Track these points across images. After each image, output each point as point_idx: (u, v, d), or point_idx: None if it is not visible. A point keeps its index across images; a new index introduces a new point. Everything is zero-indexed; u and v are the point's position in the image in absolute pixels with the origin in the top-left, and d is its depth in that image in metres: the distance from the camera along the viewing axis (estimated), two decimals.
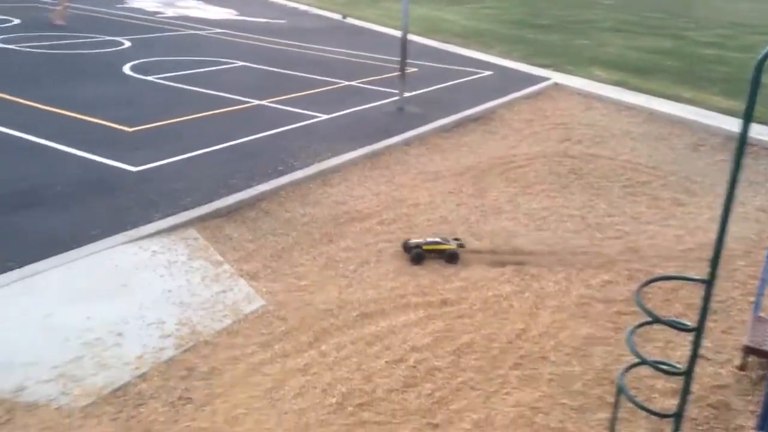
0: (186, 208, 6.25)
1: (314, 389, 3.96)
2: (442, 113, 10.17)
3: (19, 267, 5.01)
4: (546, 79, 13.25)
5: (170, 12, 20.34)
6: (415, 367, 4.22)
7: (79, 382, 3.87)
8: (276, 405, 3.82)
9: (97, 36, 14.92)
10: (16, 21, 16.23)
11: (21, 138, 7.83)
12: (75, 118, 8.73)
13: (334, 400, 3.87)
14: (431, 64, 14.14)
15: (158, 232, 5.78)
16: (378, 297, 5.04)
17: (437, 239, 5.80)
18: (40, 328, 4.34)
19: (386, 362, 4.25)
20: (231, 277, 5.20)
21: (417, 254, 5.63)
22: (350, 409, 3.81)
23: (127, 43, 14.36)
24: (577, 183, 7.80)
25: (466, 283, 5.32)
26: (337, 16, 21.83)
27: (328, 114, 9.73)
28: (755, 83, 2.51)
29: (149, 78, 11.26)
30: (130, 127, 8.51)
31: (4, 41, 13.52)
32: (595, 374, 4.26)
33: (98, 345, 4.22)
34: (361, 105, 10.41)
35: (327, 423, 3.69)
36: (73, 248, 5.35)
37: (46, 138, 7.81)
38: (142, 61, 12.56)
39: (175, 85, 10.93)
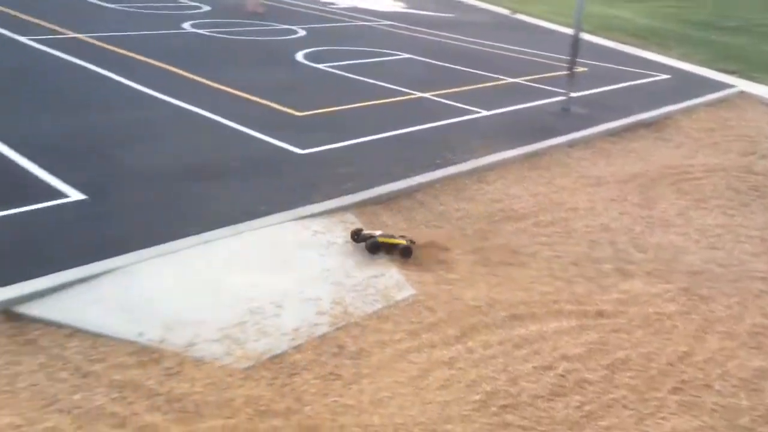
0: (346, 193, 6.46)
1: (458, 383, 3.95)
2: (610, 116, 9.70)
3: (197, 233, 5.45)
4: (731, 86, 12.22)
5: (343, 3, 21.11)
6: (564, 376, 4.07)
7: (241, 345, 4.15)
8: (420, 393, 3.85)
9: (275, 24, 15.82)
10: (207, 7, 17.60)
11: (203, 115, 8.49)
12: (250, 99, 9.32)
13: (477, 398, 3.83)
14: (602, 63, 13.53)
15: (319, 213, 6.04)
16: (529, 300, 4.92)
17: (391, 234, 5.62)
18: (211, 291, 4.70)
19: (534, 367, 4.14)
20: (384, 264, 5.31)
21: (373, 244, 5.41)
22: (494, 409, 3.76)
23: (302, 32, 15.09)
24: (760, 202, 7.13)
25: (626, 297, 5.05)
26: (505, 12, 21.53)
27: (490, 110, 9.63)
28: None
29: (319, 66, 11.76)
30: (300, 111, 8.95)
31: (194, 26, 14.72)
32: (765, 410, 3.88)
33: (260, 313, 4.49)
34: (524, 103, 10.20)
35: (469, 419, 3.67)
36: (243, 221, 5.73)
37: (224, 117, 8.41)
38: (313, 49, 13.15)
39: (343, 74, 11.33)
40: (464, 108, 9.63)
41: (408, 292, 4.94)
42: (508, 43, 15.27)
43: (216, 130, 8.03)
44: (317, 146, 7.68)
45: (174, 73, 10.49)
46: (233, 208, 5.98)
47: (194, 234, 5.43)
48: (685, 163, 8.15)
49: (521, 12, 21.12)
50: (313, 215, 5.98)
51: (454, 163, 7.45)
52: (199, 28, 14.50)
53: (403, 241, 5.56)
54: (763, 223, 6.56)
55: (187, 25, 14.71)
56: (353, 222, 5.98)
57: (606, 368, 4.17)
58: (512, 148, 8.08)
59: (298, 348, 4.18)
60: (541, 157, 8.06)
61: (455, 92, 10.48)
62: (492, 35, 16.35)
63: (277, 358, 4.07)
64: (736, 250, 5.97)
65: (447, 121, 8.99)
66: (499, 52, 14.40)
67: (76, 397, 3.64)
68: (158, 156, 7.11)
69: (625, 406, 3.84)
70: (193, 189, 6.36)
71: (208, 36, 13.86)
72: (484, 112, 9.52)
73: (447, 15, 20.22)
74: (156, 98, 9.09)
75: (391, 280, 5.08)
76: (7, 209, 5.58)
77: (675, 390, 4.01)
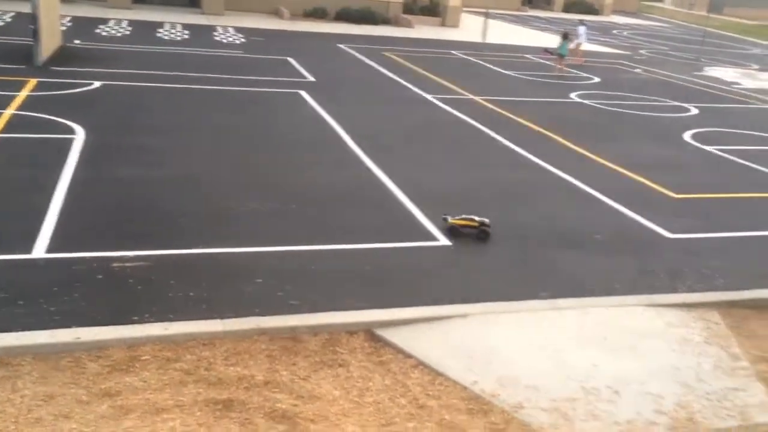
0: (714, 289, 5.87)
1: None
2: None
3: (548, 298, 5.51)
4: None
5: (749, 84, 19.27)
6: None
7: (569, 422, 4.04)
8: None
9: (665, 101, 15.20)
10: (597, 79, 17.78)
11: (575, 185, 8.56)
12: (626, 175, 9.09)
13: None
14: None
15: (678, 305, 5.58)
16: None
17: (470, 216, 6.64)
18: (549, 359, 4.69)
19: None
20: (748, 377, 4.65)
21: (450, 228, 6.51)
22: None
23: (694, 111, 14.22)
24: None
25: None
26: None
27: None
28: None
29: (707, 148, 10.93)
30: (676, 193, 8.42)
31: (579, 96, 14.99)
32: None
33: (594, 394, 4.32)
34: None
35: None
36: (595, 295, 5.62)
37: (596, 189, 8.34)
38: (704, 130, 12.27)
39: (735, 159, 10.33)
40: None
41: None
42: None
43: (586, 202, 8.02)
44: (690, 233, 7.13)
45: (554, 140, 10.81)
46: (587, 280, 5.90)
47: (545, 298, 5.50)
48: None
49: None
50: (669, 305, 5.55)
51: None
52: (584, 99, 14.73)
53: (473, 223, 6.51)
54: None
55: (574, 95, 15.07)
56: (717, 322, 5.37)
57: None
58: None
59: None
60: None
61: None
62: None
63: None
64: None
65: None
66: None
67: (410, 425, 3.97)
68: (525, 216, 7.39)
69: None
70: (552, 254, 6.45)
71: (594, 107, 13.98)
72: None
73: None
74: (532, 162, 9.47)
75: (753, 398, 4.42)
76: (394, 242, 6.40)
77: None
